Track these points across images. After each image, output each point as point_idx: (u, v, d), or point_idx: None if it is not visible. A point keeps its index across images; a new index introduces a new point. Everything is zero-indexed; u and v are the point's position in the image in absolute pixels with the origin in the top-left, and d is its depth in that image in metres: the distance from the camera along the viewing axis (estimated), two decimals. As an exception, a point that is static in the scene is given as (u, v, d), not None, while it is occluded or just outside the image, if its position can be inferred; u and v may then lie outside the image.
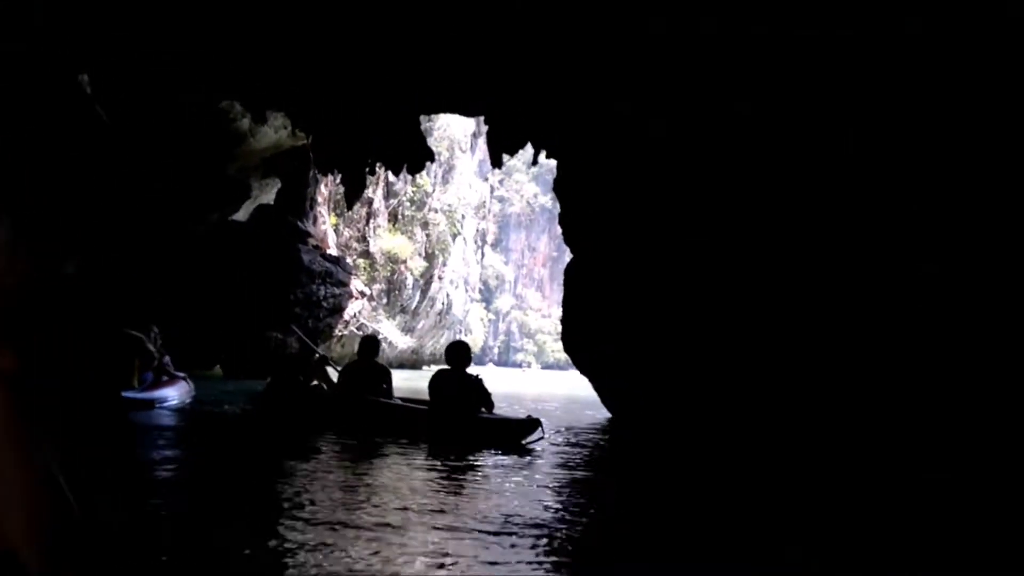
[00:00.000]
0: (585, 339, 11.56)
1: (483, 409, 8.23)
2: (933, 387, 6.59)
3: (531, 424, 7.92)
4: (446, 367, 8.47)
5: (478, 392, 8.14)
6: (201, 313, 17.12)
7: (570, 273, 11.90)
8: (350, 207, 16.27)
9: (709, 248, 8.99)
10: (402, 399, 9.12)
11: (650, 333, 9.98)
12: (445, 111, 13.48)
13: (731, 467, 7.41)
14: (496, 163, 11.97)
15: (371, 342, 9.37)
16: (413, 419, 8.31)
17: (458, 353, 8.39)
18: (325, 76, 10.89)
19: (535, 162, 11.70)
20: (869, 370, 7.14)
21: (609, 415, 12.17)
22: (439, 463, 6.49)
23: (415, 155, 12.44)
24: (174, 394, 10.26)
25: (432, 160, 13.56)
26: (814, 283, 7.70)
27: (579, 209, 11.21)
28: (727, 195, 8.60)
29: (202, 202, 16.34)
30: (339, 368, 9.51)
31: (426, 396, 8.91)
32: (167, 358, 10.99)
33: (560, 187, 11.57)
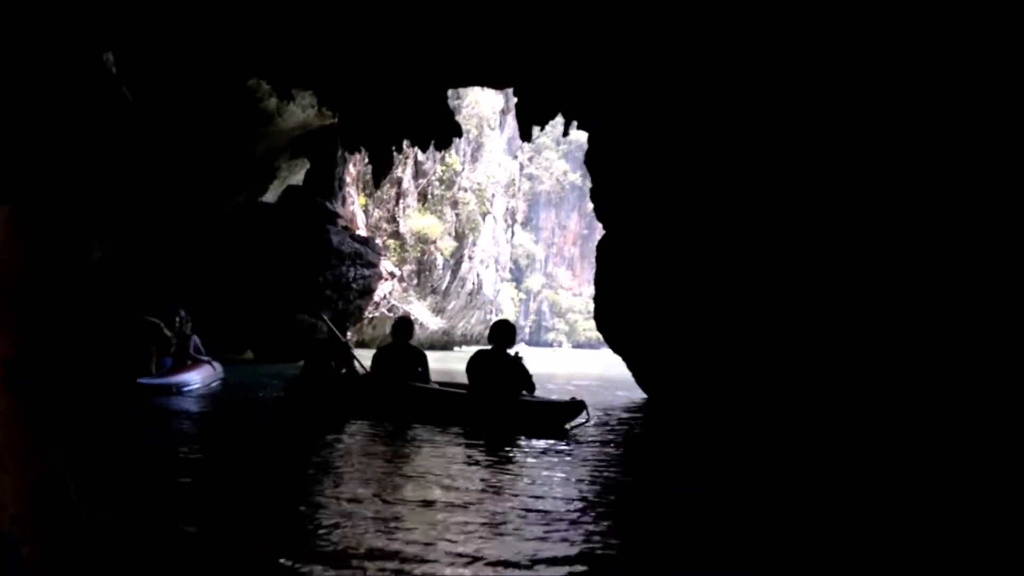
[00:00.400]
0: (619, 317, 11.28)
1: (524, 392, 7.85)
2: (939, 383, 6.31)
3: (575, 407, 7.46)
4: (486, 347, 8.10)
5: (520, 373, 7.71)
6: (231, 297, 17.08)
7: (602, 250, 11.61)
8: (377, 186, 16.08)
9: (745, 224, 8.65)
10: (439, 383, 8.75)
11: (685, 312, 9.68)
12: (473, 84, 13.16)
13: (763, 460, 7.02)
14: (526, 136, 11.64)
15: (405, 324, 8.93)
16: (451, 404, 7.92)
17: (502, 332, 7.99)
18: (351, 52, 10.67)
19: (566, 133, 11.36)
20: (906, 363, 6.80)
21: (644, 395, 11.90)
22: (475, 450, 6.23)
23: (443, 131, 12.16)
24: (197, 378, 10.22)
25: (460, 136, 13.27)
26: (851, 263, 7.35)
27: (611, 183, 10.90)
28: (764, 172, 8.24)
29: (229, 183, 16.20)
30: (356, 358, 9.24)
31: (461, 379, 8.65)
32: (195, 341, 10.93)
33: (591, 161, 11.24)
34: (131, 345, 9.59)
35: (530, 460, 6.03)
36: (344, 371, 9.07)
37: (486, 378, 7.83)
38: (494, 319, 54.86)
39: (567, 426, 7.55)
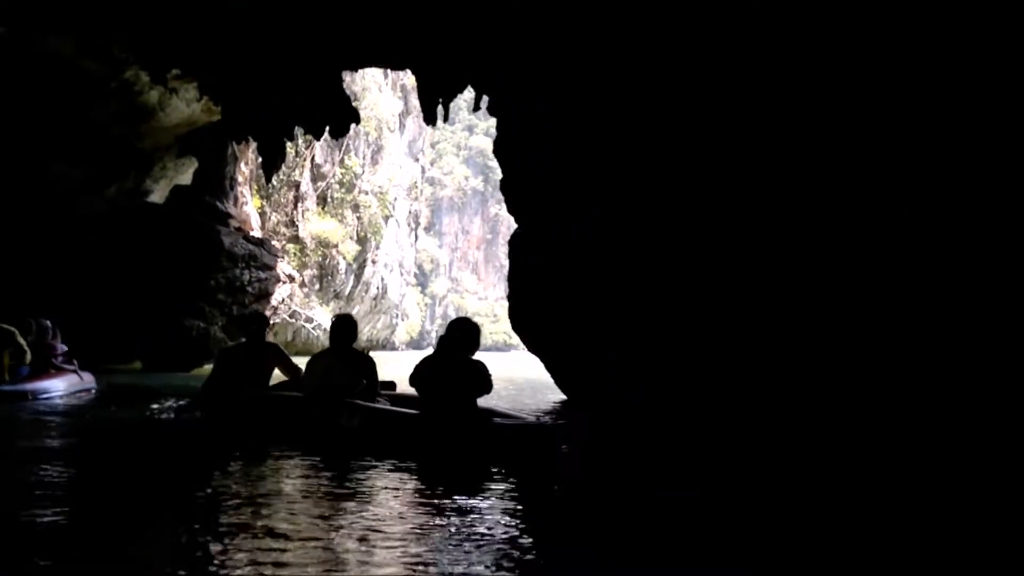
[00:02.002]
0: (536, 316, 10.69)
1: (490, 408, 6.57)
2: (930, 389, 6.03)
3: (558, 432, 6.26)
4: (431, 353, 6.46)
5: (480, 387, 6.15)
6: (115, 302, 15.73)
7: (516, 244, 11.00)
8: (268, 180, 15.01)
9: (669, 212, 8.19)
10: (388, 396, 7.28)
11: (612, 308, 9.16)
12: (370, 65, 12.31)
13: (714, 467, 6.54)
14: (429, 119, 10.89)
15: (346, 323, 7.10)
16: (405, 428, 6.13)
17: (464, 334, 6.23)
18: (233, 31, 9.73)
19: (476, 107, 10.64)
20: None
21: (565, 397, 11.38)
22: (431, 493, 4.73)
23: (338, 117, 11.27)
24: (60, 386, 9.94)
25: (358, 122, 12.45)
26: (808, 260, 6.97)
27: (523, 173, 10.30)
28: (683, 157, 7.79)
29: (101, 175, 14.81)
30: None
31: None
32: (62, 349, 10.73)
33: (501, 149, 10.62)
34: None
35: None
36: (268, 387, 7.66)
37: (439, 393, 6.18)
38: (399, 323, 53.51)
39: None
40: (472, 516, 3.97)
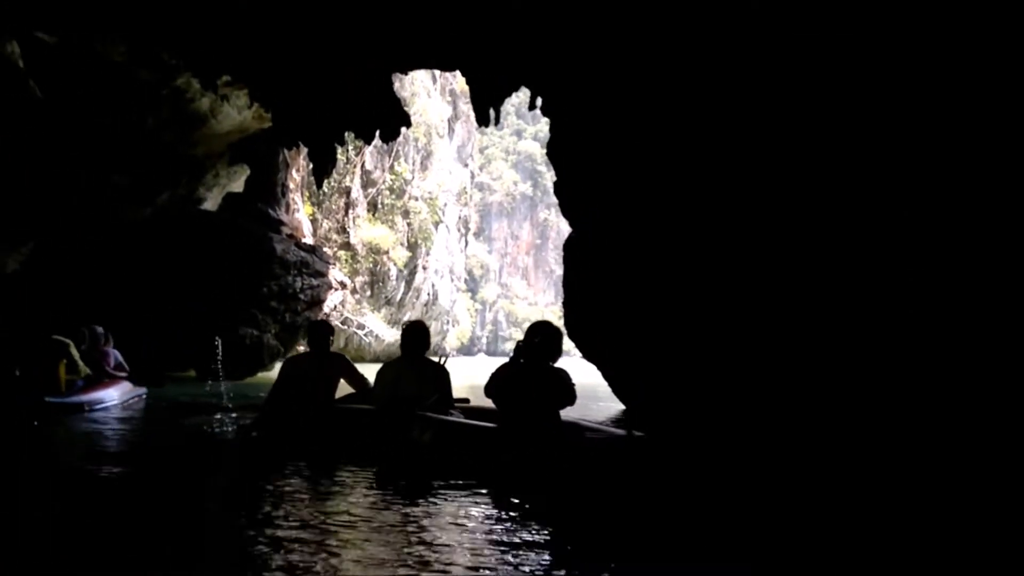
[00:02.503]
0: (594, 323, 10.29)
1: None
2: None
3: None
4: (507, 361, 5.99)
5: (563, 397, 5.71)
6: (168, 310, 15.76)
7: (571, 248, 10.62)
8: (319, 185, 14.89)
9: (740, 218, 7.75)
10: (463, 410, 6.74)
11: (675, 314, 8.74)
12: (420, 66, 12.02)
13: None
14: (482, 120, 10.55)
15: (417, 330, 6.78)
16: (482, 442, 5.58)
17: (545, 338, 5.80)
18: (282, 36, 9.57)
19: (532, 106, 10.25)
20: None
21: (623, 407, 10.98)
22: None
23: (389, 120, 11.05)
24: (114, 396, 9.99)
25: (408, 125, 12.22)
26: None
27: (580, 174, 9.93)
28: (766, 160, 7.36)
29: (150, 183, 14.79)
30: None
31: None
32: (116, 356, 10.89)
33: (555, 150, 10.26)
34: (38, 364, 9.11)
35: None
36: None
37: (520, 404, 5.66)
38: (450, 329, 53.47)
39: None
40: (550, 552, 3.57)
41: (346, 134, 12.11)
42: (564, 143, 9.91)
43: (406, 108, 34.84)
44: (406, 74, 12.02)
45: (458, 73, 40.45)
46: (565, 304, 10.89)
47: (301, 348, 31.71)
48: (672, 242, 8.60)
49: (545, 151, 10.88)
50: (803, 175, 6.76)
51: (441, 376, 6.44)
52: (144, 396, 11.05)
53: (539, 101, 9.95)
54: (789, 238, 7.05)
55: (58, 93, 11.43)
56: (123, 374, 10.77)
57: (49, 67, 11.45)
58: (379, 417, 6.25)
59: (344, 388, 7.32)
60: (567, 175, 10.28)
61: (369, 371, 7.25)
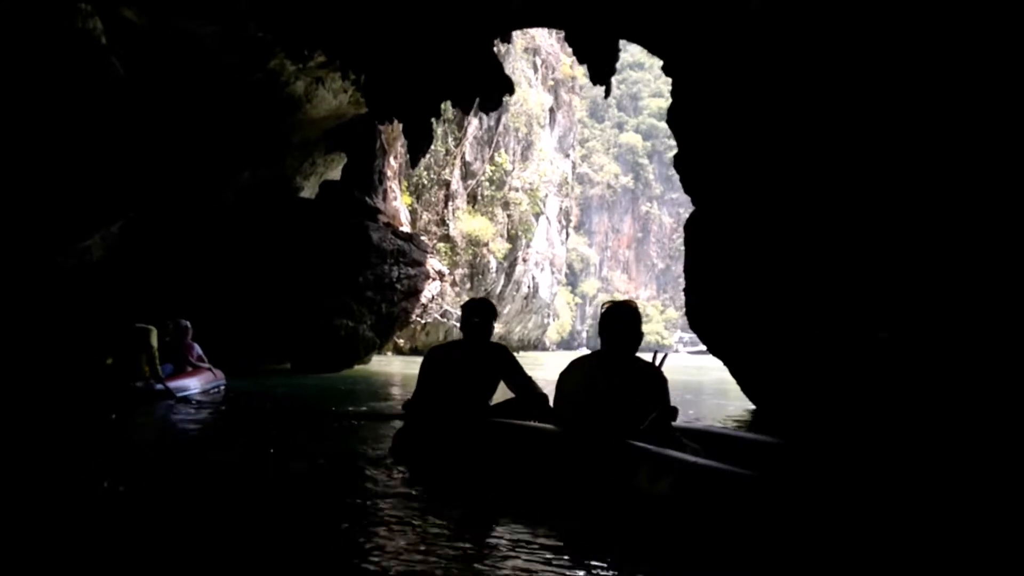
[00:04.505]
0: (720, 312, 9.05)
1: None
2: None
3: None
4: (585, 355, 4.66)
5: (656, 396, 4.38)
6: (264, 301, 15.25)
7: (694, 229, 9.40)
8: (415, 163, 14.05)
9: (888, 198, 6.39)
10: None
11: (811, 305, 7.43)
12: (522, 26, 10.84)
13: None
14: (599, 79, 9.28)
15: (626, 315, 4.48)
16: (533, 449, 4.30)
17: (623, 325, 4.38)
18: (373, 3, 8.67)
19: (607, 93, 8.95)
20: None
21: (752, 407, 9.68)
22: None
23: (489, 87, 9.98)
24: (196, 384, 10.05)
25: (512, 92, 11.16)
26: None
27: (705, 145, 8.68)
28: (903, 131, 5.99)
29: (246, 171, 14.24)
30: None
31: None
32: (197, 349, 10.91)
33: (677, 116, 9.05)
34: (122, 351, 9.17)
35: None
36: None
37: (605, 408, 4.30)
38: (550, 323, 52.54)
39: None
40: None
41: (443, 107, 11.16)
42: (688, 107, 8.67)
43: (507, 97, 34.10)
44: (508, 41, 10.91)
45: (560, 60, 39.30)
46: (686, 291, 9.67)
47: (400, 341, 31.38)
48: (812, 222, 7.30)
49: (666, 119, 9.67)
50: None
51: (659, 385, 4.46)
52: (223, 387, 11.00)
53: (614, 89, 8.68)
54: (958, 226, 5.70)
55: (145, 75, 10.90)
56: (206, 365, 10.81)
57: (136, 48, 10.96)
58: (569, 444, 4.21)
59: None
60: (690, 145, 9.05)
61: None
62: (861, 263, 6.85)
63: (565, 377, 4.53)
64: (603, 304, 4.56)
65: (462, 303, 5.76)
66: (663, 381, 4.47)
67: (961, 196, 5.76)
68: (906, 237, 6.35)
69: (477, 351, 5.24)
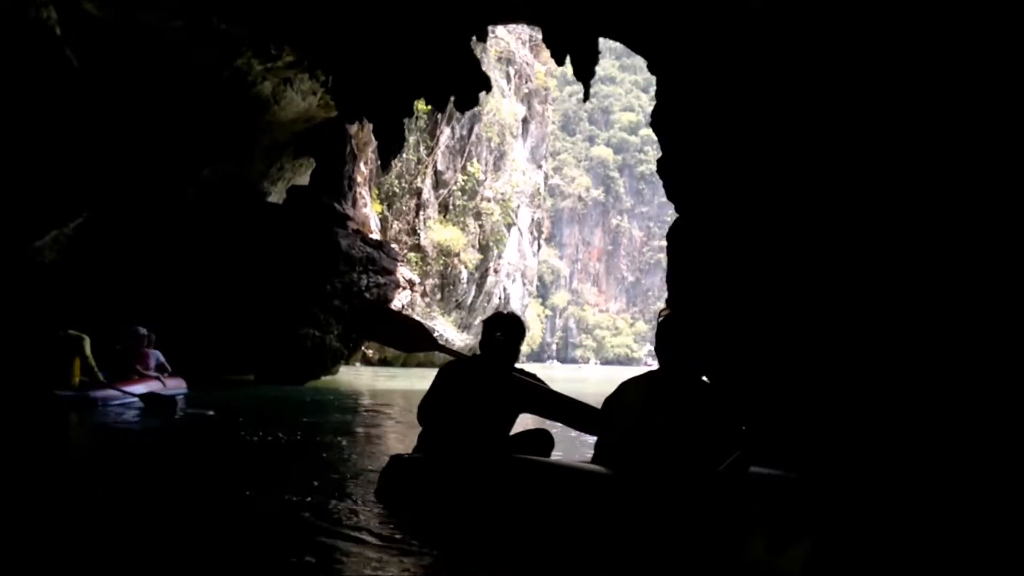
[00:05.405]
0: (703, 326, 8.64)
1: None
2: None
3: None
4: (641, 374, 3.89)
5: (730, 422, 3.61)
6: (227, 309, 14.64)
7: (677, 237, 9.01)
8: (386, 166, 13.57)
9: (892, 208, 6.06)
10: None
11: (803, 317, 7.07)
12: (501, 21, 10.46)
13: None
14: (583, 75, 8.83)
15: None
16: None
17: (676, 335, 3.69)
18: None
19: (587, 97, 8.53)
20: None
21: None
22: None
23: (465, 84, 9.55)
24: (139, 392, 9.56)
25: (488, 89, 10.70)
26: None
27: (691, 148, 8.31)
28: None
29: (191, 155, 13.50)
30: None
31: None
32: (156, 356, 10.60)
33: (661, 118, 8.68)
34: (51, 359, 8.93)
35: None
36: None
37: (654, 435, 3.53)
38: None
39: None
40: None
41: (415, 116, 10.75)
42: (674, 107, 8.31)
43: (479, 107, 33.72)
44: (483, 40, 10.47)
45: (535, 68, 38.99)
46: (669, 303, 9.29)
47: (369, 352, 30.77)
48: (805, 229, 6.95)
49: (649, 122, 9.31)
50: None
51: (731, 414, 3.69)
52: (180, 396, 10.50)
53: (592, 93, 8.28)
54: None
55: (105, 69, 10.36)
56: (154, 374, 10.35)
57: (96, 41, 10.42)
58: (631, 489, 3.34)
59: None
60: (675, 148, 8.68)
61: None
62: (856, 272, 6.52)
63: (613, 403, 3.81)
64: (660, 312, 3.89)
65: (484, 318, 4.73)
66: (738, 409, 3.73)
67: (967, 206, 5.44)
68: (904, 243, 6.03)
69: (497, 375, 4.25)
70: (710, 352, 6.03)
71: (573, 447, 6.66)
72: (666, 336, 3.66)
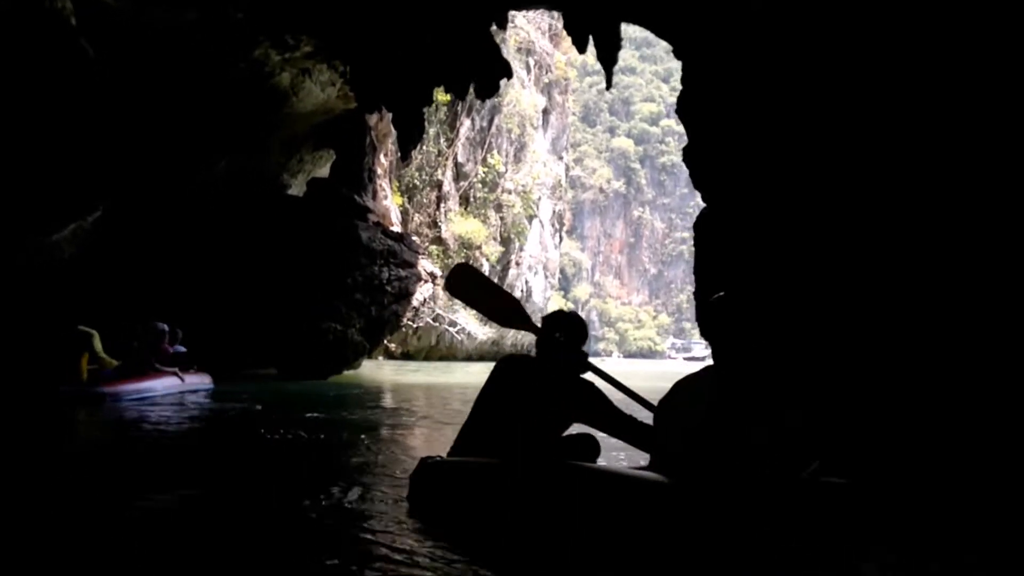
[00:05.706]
0: (728, 318, 8.40)
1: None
2: None
3: None
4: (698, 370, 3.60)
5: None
6: (250, 304, 14.53)
7: (704, 227, 8.78)
8: (405, 156, 13.42)
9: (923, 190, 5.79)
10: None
11: (832, 309, 6.82)
12: (522, 7, 10.13)
13: None
14: (607, 59, 8.66)
15: (729, 310, 3.66)
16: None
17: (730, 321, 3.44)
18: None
19: (609, 85, 8.33)
20: None
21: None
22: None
23: (486, 71, 9.34)
24: (155, 388, 9.72)
25: (509, 76, 10.48)
26: None
27: (719, 135, 8.07)
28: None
29: (232, 167, 13.49)
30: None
31: None
32: (178, 351, 10.65)
33: (687, 105, 8.43)
34: (59, 354, 8.97)
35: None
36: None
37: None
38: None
39: None
40: None
41: (434, 107, 10.54)
42: (701, 94, 8.05)
43: (499, 97, 33.32)
44: (503, 28, 10.19)
45: (555, 58, 38.63)
46: (696, 295, 9.06)
47: (392, 345, 30.69)
48: (838, 221, 6.69)
49: (670, 112, 9.06)
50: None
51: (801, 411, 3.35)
52: (203, 392, 10.56)
53: (616, 82, 7.98)
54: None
55: (121, 59, 10.26)
56: (170, 370, 10.27)
57: (112, 32, 10.31)
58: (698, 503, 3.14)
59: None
60: (701, 136, 8.44)
61: (462, 372, 5.37)
62: (885, 264, 6.25)
63: (669, 402, 3.49)
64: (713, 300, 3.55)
65: (543, 315, 4.26)
66: (809, 409, 3.30)
67: (972, 201, 5.17)
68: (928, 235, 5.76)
69: (553, 376, 3.84)
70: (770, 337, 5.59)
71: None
72: (723, 318, 3.34)
